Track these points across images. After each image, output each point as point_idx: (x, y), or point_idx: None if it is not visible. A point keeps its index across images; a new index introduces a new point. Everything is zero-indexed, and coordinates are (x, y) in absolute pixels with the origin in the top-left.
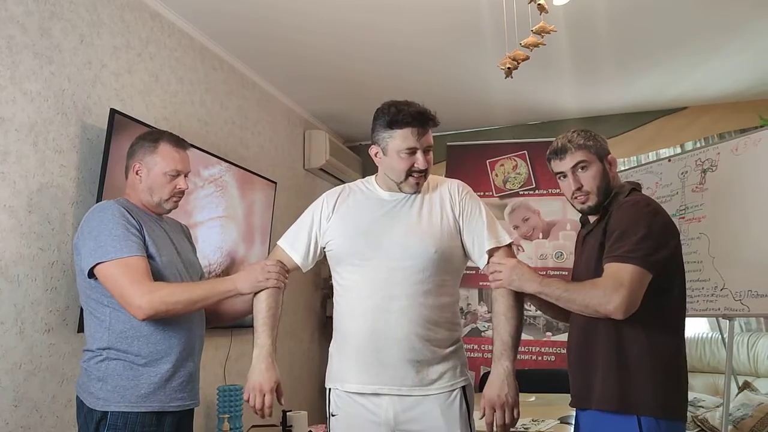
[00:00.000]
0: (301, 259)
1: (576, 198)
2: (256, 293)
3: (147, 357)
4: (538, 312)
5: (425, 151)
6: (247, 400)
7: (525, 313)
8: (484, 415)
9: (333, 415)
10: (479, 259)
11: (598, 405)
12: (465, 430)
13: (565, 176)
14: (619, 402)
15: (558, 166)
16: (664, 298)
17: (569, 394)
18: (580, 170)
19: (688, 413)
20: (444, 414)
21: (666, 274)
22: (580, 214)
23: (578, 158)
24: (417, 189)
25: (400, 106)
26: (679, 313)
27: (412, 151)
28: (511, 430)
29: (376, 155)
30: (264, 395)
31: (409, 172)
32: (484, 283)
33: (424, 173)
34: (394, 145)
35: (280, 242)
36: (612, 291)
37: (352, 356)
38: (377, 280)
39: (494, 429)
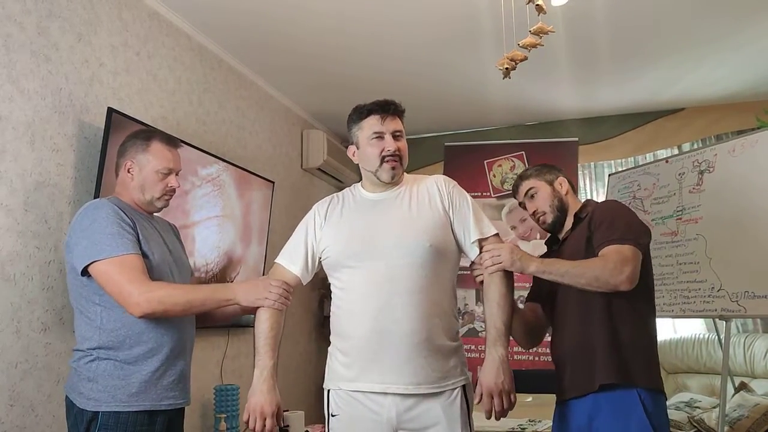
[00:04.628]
0: (300, 271)
1: (537, 220)
2: (256, 309)
3: (138, 356)
4: None
5: (394, 137)
6: (247, 422)
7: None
8: (480, 400)
9: (333, 416)
10: (469, 251)
11: (602, 380)
12: (465, 428)
13: (523, 205)
14: (620, 376)
15: (517, 198)
16: (645, 282)
17: (566, 389)
18: (530, 197)
19: (685, 414)
20: (445, 412)
21: (646, 258)
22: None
23: (527, 187)
24: (393, 175)
25: (365, 103)
26: (653, 297)
27: (380, 136)
28: (508, 429)
29: (354, 155)
30: (265, 419)
31: (382, 158)
32: None
33: (397, 158)
34: (364, 135)
35: (278, 260)
36: (621, 264)
37: (356, 357)
38: (377, 279)
39: (492, 415)
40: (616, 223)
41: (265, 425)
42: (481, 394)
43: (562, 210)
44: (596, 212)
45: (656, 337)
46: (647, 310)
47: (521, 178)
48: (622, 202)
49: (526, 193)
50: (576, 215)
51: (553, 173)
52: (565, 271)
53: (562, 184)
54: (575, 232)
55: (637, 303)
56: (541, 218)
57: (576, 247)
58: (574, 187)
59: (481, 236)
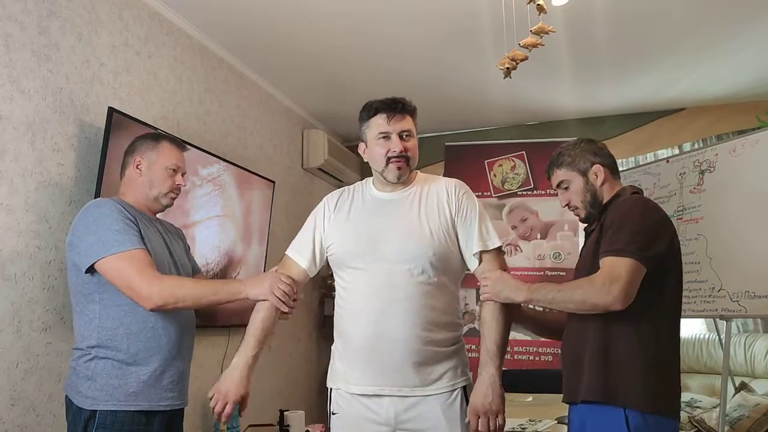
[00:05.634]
0: (308, 264)
1: (570, 210)
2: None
3: (135, 355)
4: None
5: (402, 137)
6: (211, 399)
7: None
8: (468, 421)
9: (334, 414)
10: (469, 261)
11: (584, 396)
12: (465, 429)
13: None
14: (603, 393)
15: (551, 181)
16: (657, 294)
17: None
18: (563, 189)
19: (686, 414)
20: (445, 413)
21: (660, 268)
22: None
23: (559, 178)
24: (399, 176)
25: (375, 99)
26: (673, 309)
27: (386, 136)
28: (508, 429)
29: (363, 152)
30: (226, 404)
31: (387, 159)
32: None
33: (403, 159)
34: (371, 134)
35: (288, 251)
36: (610, 283)
37: (354, 358)
38: (378, 282)
39: None
40: (622, 230)
41: (225, 410)
42: (470, 415)
43: (595, 205)
44: (610, 213)
45: (664, 353)
46: (652, 326)
47: (552, 164)
48: (641, 199)
49: (558, 185)
50: (605, 206)
51: (587, 160)
52: (552, 298)
53: (597, 174)
54: (595, 228)
55: (640, 318)
56: (574, 212)
57: (589, 247)
58: (614, 168)
59: (482, 249)
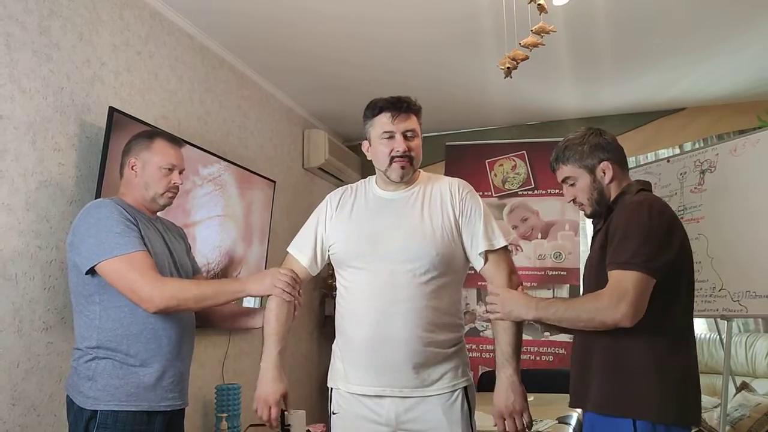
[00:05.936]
0: (309, 262)
1: (575, 206)
2: (266, 299)
3: (136, 356)
4: None
5: (406, 136)
6: (256, 411)
7: None
8: (496, 425)
9: (334, 413)
10: (475, 261)
11: (591, 408)
12: (467, 430)
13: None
14: (610, 406)
15: (556, 175)
16: (668, 302)
17: (569, 394)
18: (569, 185)
19: None
20: (446, 414)
21: (671, 276)
22: (582, 213)
23: (564, 174)
24: (402, 175)
25: (380, 98)
26: (685, 316)
27: (390, 135)
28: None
29: (367, 150)
30: (269, 407)
31: (391, 158)
32: (483, 283)
33: (407, 158)
34: (375, 133)
35: (289, 248)
36: (617, 300)
37: (354, 358)
38: (380, 282)
39: None
40: (628, 238)
41: (270, 414)
42: (495, 419)
43: (602, 203)
44: (615, 216)
45: (676, 359)
46: (663, 333)
47: (558, 159)
48: (648, 200)
49: (563, 180)
50: (610, 206)
51: (595, 157)
52: (560, 316)
53: (605, 171)
54: (600, 230)
55: (651, 328)
56: (579, 208)
57: (594, 252)
58: (623, 162)
59: (488, 248)
